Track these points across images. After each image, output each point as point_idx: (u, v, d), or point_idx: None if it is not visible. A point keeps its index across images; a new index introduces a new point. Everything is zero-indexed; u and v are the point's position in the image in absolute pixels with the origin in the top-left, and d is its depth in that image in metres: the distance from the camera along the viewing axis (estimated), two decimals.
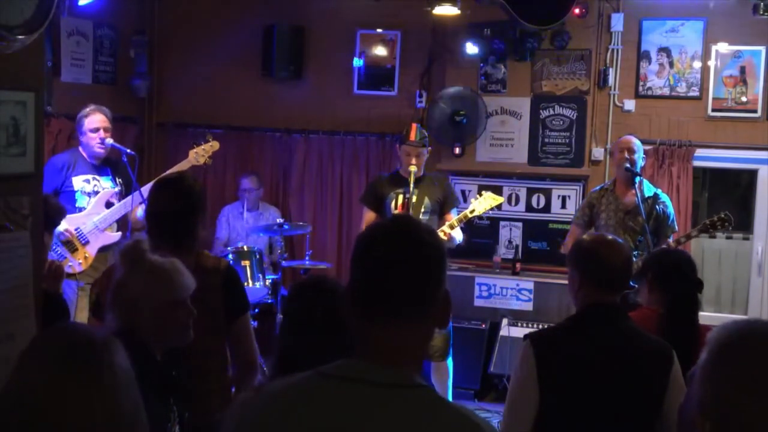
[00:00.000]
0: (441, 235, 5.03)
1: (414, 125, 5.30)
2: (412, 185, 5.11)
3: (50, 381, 1.44)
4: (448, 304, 1.55)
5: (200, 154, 5.34)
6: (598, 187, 5.39)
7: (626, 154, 5.12)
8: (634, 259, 4.90)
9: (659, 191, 5.24)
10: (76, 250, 4.98)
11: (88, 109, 5.14)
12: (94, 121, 5.10)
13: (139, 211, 5.09)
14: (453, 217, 5.30)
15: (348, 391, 1.46)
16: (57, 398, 1.43)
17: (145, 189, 4.96)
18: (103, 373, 1.46)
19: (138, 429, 1.49)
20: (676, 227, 5.23)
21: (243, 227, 6.62)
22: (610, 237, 2.89)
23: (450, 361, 5.33)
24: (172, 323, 2.50)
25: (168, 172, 5.20)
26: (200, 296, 2.95)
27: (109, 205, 5.13)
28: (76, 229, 4.98)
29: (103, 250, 5.07)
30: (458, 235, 5.19)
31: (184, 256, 3.00)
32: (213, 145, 5.39)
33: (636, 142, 5.20)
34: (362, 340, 1.51)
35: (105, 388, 1.45)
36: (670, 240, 4.97)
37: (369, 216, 5.34)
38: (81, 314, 4.90)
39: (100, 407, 1.43)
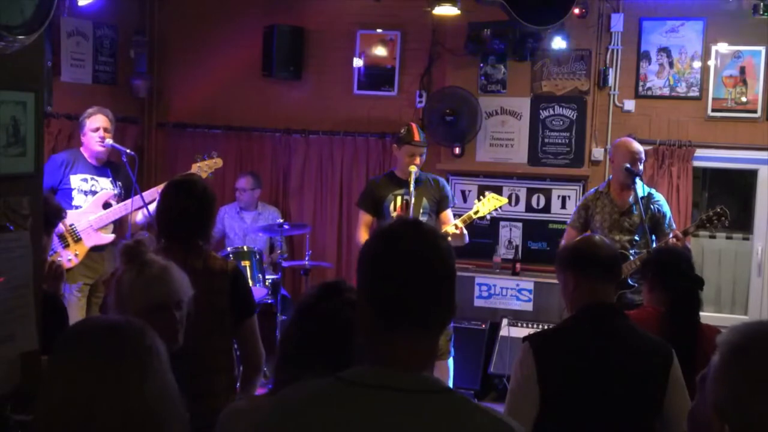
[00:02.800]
0: (453, 229, 5.02)
1: (414, 126, 5.28)
2: (412, 187, 5.08)
3: (96, 367, 1.47)
4: (455, 305, 1.56)
5: (203, 168, 5.37)
6: (592, 190, 5.37)
7: (639, 165, 5.03)
8: (631, 258, 4.92)
9: (653, 191, 5.22)
10: (69, 245, 5.00)
11: (91, 110, 5.22)
12: (96, 120, 5.15)
13: (139, 216, 5.11)
14: (449, 217, 5.29)
15: (382, 399, 1.43)
16: (106, 383, 1.45)
17: (147, 194, 4.99)
18: (149, 354, 1.50)
19: (180, 407, 1.52)
20: (674, 225, 5.22)
21: (241, 227, 6.62)
22: (597, 237, 2.96)
23: (450, 361, 5.33)
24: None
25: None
26: (208, 298, 2.99)
27: (106, 206, 5.14)
28: (70, 225, 5.00)
29: (95, 249, 5.09)
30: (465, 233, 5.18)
31: (193, 257, 3.05)
32: (217, 162, 5.46)
33: (642, 150, 5.14)
34: (381, 348, 1.49)
35: (152, 367, 1.49)
36: (670, 237, 4.95)
37: (366, 219, 5.31)
38: (80, 315, 4.91)
39: (150, 387, 1.47)
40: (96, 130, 5.14)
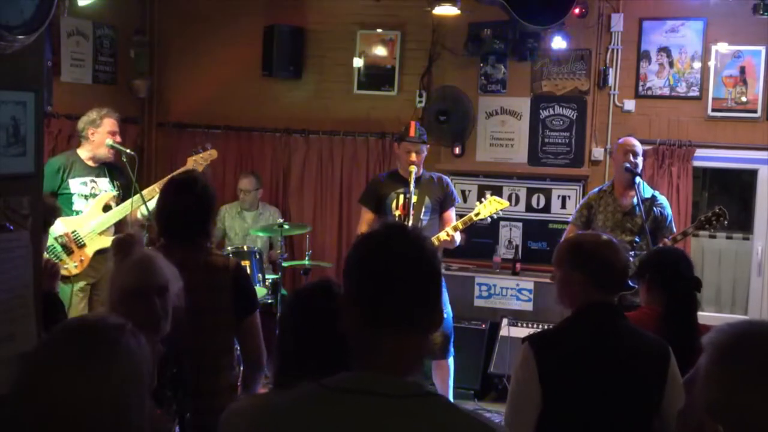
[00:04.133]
0: (445, 236, 5.05)
1: (413, 123, 5.31)
2: (412, 184, 5.10)
3: (58, 359, 1.48)
4: (442, 308, 1.57)
5: (198, 162, 5.35)
6: (596, 189, 5.38)
7: (631, 157, 5.10)
8: (632, 259, 4.92)
9: (657, 193, 5.24)
10: (72, 252, 4.98)
11: (102, 112, 5.14)
12: (112, 124, 5.14)
13: (138, 214, 5.09)
14: (451, 216, 5.30)
15: (363, 405, 1.45)
16: (62, 377, 1.46)
17: (146, 192, 4.98)
18: (105, 353, 1.48)
19: (132, 418, 1.51)
20: (674, 228, 5.23)
21: (241, 227, 6.62)
22: (606, 236, 2.88)
23: (451, 361, 5.34)
24: (129, 315, 2.42)
25: (167, 179, 5.20)
26: (209, 295, 2.99)
27: (107, 208, 5.12)
28: (72, 232, 4.98)
29: (99, 253, 5.08)
30: (458, 237, 5.20)
31: (195, 254, 3.06)
32: (211, 154, 5.42)
33: (638, 145, 5.20)
34: (368, 351, 1.50)
35: (107, 367, 1.47)
36: (668, 239, 4.96)
37: (367, 217, 5.33)
38: (80, 313, 4.91)
39: (98, 384, 1.46)
40: (114, 134, 5.13)
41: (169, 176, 4.92)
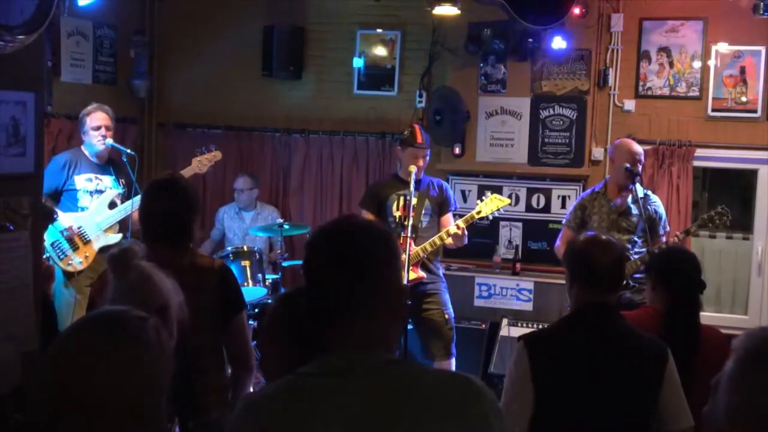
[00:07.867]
0: (455, 229, 5.05)
1: (417, 127, 5.31)
2: (412, 186, 5.10)
3: (78, 345, 1.51)
4: (401, 292, 1.65)
5: (203, 162, 5.38)
6: (589, 191, 5.37)
7: (637, 167, 5.06)
8: (632, 257, 4.92)
9: (649, 192, 5.24)
10: (78, 248, 4.99)
11: (90, 108, 5.19)
12: (96, 118, 5.15)
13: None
14: (450, 220, 5.31)
15: (338, 385, 1.51)
16: (81, 362, 1.48)
17: None
18: (125, 343, 1.51)
19: (148, 408, 1.53)
20: (668, 227, 5.23)
21: (240, 227, 6.62)
22: (603, 237, 2.90)
23: (453, 362, 5.33)
24: None
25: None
26: (195, 296, 2.96)
27: (112, 205, 5.13)
28: (78, 227, 4.99)
29: (103, 250, 5.08)
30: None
31: (179, 255, 3.04)
32: (216, 155, 5.46)
33: (642, 152, 5.16)
34: (332, 339, 1.57)
35: (126, 356, 1.50)
36: (663, 240, 4.96)
37: (368, 218, 5.34)
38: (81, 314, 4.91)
39: (116, 372, 1.48)
40: (97, 129, 5.14)
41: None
